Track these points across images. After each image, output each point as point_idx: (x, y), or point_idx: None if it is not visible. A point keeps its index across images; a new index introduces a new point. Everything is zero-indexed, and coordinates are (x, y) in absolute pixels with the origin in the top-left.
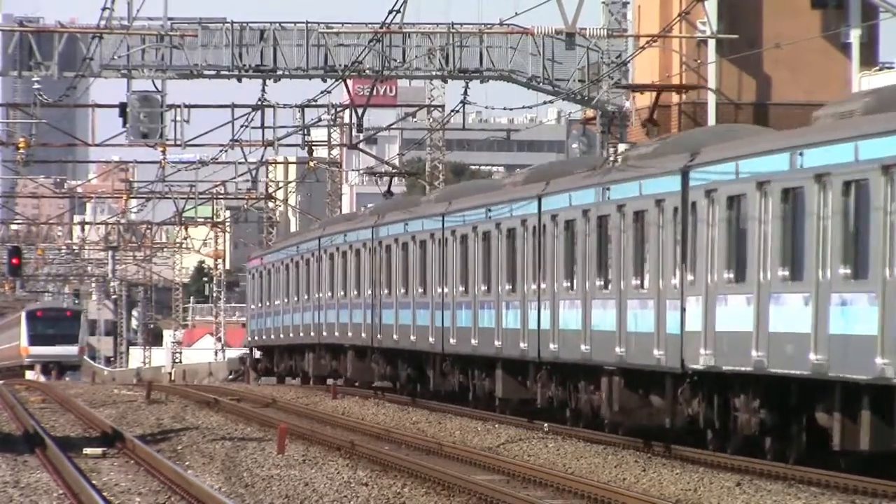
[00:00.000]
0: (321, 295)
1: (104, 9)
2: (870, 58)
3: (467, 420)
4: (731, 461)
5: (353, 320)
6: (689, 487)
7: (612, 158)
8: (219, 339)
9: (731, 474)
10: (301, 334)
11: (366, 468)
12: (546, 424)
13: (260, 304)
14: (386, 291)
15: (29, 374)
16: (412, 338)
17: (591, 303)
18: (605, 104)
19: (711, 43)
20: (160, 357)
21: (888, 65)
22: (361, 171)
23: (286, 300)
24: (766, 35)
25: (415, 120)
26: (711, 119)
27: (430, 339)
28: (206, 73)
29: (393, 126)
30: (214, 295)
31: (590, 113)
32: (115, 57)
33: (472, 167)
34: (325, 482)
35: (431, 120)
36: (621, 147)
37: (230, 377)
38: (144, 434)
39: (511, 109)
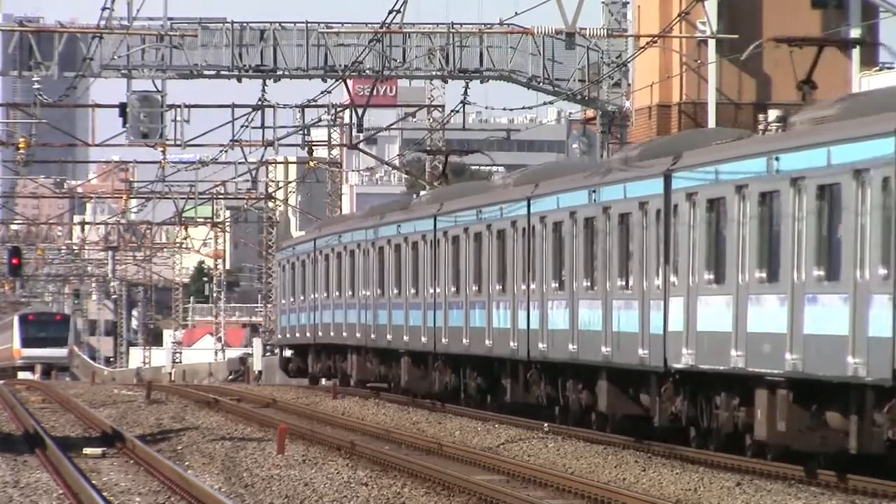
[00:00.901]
0: (369, 292)
1: (104, 9)
2: (870, 58)
3: (467, 420)
4: (731, 461)
5: (411, 322)
6: (689, 487)
7: (761, 126)
8: (219, 340)
9: (731, 474)
10: (344, 334)
11: (366, 468)
12: (546, 424)
13: (292, 299)
14: (453, 289)
15: (21, 375)
16: (487, 342)
17: (746, 299)
18: (606, 104)
19: (711, 43)
20: (160, 357)
21: (888, 65)
22: (411, 150)
23: (325, 295)
24: (766, 35)
25: (415, 120)
26: (712, 119)
27: (512, 344)
28: (206, 73)
29: (393, 126)
30: (214, 295)
31: (590, 113)
32: (115, 57)
33: (472, 167)
34: (325, 482)
35: (431, 120)
36: (772, 113)
37: (230, 377)
38: (144, 434)
39: (511, 110)
